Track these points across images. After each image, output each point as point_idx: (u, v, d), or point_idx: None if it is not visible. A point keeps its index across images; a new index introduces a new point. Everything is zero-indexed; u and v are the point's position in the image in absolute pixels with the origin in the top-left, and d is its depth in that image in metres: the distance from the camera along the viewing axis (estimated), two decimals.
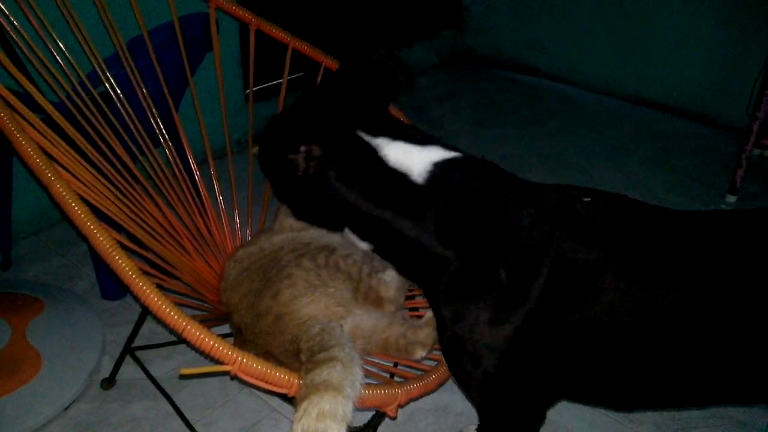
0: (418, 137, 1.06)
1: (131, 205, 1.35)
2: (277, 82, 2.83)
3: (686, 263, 0.98)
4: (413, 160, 1.02)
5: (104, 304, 1.96)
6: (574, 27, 3.56)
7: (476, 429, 1.27)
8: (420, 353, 1.31)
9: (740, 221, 1.05)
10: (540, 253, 0.97)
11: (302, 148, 1.03)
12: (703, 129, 3.18)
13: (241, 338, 1.32)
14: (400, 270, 1.19)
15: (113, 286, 1.96)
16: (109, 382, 1.68)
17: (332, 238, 1.40)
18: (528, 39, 3.77)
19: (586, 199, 1.03)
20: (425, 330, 1.31)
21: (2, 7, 1.40)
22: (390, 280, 1.33)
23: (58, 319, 1.78)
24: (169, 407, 1.60)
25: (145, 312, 1.62)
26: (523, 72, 3.80)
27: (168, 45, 1.67)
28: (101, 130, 1.45)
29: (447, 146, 1.07)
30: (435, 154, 1.03)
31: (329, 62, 1.70)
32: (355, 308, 1.31)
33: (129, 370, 1.69)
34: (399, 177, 1.02)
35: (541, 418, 1.14)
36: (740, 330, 0.96)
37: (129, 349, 1.67)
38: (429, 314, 1.36)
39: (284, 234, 1.45)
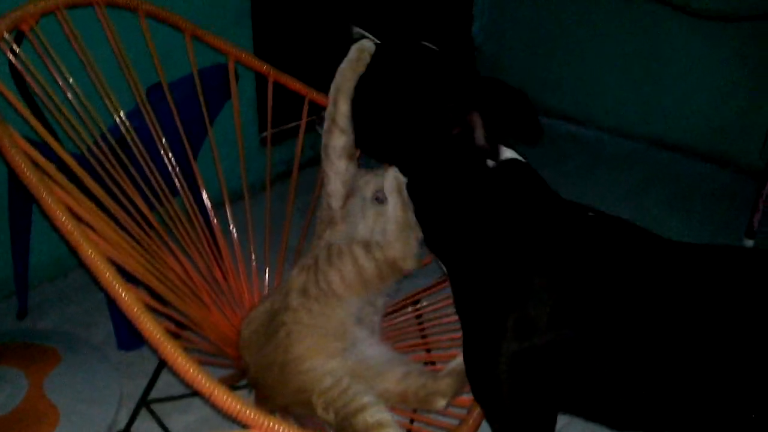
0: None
1: (151, 259, 1.34)
2: (291, 126, 2.86)
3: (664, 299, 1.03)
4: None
5: (120, 354, 1.95)
6: (587, 66, 3.58)
7: None
8: (441, 403, 1.28)
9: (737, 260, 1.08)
10: (533, 268, 1.06)
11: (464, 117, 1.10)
12: (719, 171, 3.17)
13: (259, 395, 1.31)
14: (441, 257, 1.24)
15: (129, 337, 1.95)
16: None
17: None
18: (540, 79, 3.79)
19: (590, 214, 1.13)
20: (446, 380, 1.29)
21: (27, 64, 1.41)
22: (385, 241, 1.29)
23: (75, 372, 1.77)
24: None
25: (162, 365, 1.61)
26: None
27: (189, 97, 1.68)
28: (120, 181, 1.46)
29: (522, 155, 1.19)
30: (510, 153, 1.16)
31: None
32: (356, 333, 1.29)
33: (146, 424, 1.67)
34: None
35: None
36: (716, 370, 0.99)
37: (145, 402, 1.65)
38: (452, 364, 1.33)
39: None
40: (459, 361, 1.33)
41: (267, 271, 1.70)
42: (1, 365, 1.71)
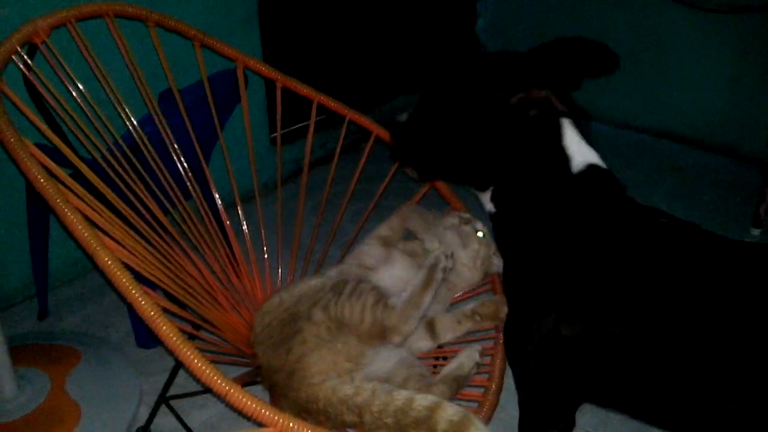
0: (586, 133, 1.24)
1: (166, 262, 1.39)
2: (300, 126, 2.90)
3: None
4: (578, 152, 1.19)
5: (139, 352, 2.00)
6: None
7: None
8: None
9: None
10: (592, 269, 1.11)
11: (542, 92, 1.15)
12: (725, 161, 3.18)
13: (272, 393, 1.35)
14: (504, 251, 1.31)
15: (147, 335, 2.00)
16: None
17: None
18: None
19: (663, 220, 1.16)
20: (440, 387, 1.31)
21: (41, 75, 1.45)
22: (395, 305, 1.32)
23: (96, 370, 1.82)
24: None
25: (180, 363, 1.65)
26: None
27: (200, 102, 1.72)
28: (133, 186, 1.50)
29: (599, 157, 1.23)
30: (593, 157, 1.21)
31: (352, 115, 1.75)
32: (365, 358, 1.31)
33: (166, 420, 1.72)
34: (563, 159, 1.18)
35: (569, 420, 1.22)
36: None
37: (164, 399, 1.70)
38: (445, 370, 1.37)
39: (308, 282, 1.47)
40: (452, 366, 1.37)
41: (279, 269, 1.74)
42: (23, 365, 1.76)
